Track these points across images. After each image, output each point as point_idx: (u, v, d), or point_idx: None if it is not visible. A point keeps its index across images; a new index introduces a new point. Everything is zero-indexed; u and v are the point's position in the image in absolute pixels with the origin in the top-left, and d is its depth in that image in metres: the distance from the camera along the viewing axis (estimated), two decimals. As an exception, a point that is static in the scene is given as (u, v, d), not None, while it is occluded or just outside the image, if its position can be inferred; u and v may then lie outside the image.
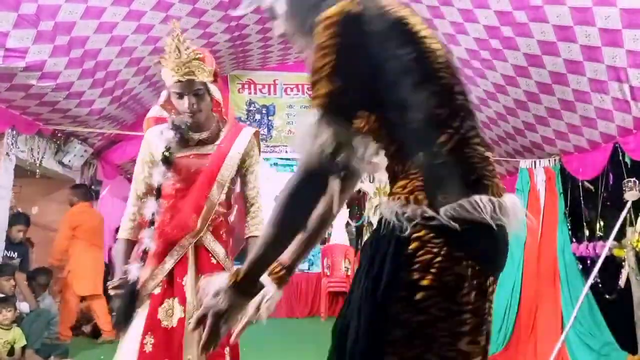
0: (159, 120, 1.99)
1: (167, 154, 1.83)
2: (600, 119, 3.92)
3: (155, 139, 1.89)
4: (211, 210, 1.86)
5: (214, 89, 1.88)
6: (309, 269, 7.91)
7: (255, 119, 6.54)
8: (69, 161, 5.47)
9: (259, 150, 2.05)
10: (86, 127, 5.23)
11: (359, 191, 8.61)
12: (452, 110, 1.01)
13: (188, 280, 1.80)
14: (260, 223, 1.96)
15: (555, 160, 4.83)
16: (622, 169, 3.96)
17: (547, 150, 4.89)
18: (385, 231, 0.99)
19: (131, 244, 1.87)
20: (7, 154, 4.55)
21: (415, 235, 0.96)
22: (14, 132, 4.59)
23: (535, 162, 4.99)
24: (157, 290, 1.77)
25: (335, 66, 0.98)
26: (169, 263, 1.80)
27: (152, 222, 1.80)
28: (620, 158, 3.95)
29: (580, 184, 4.55)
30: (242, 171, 1.97)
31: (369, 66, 0.99)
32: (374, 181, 8.29)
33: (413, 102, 1.00)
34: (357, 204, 9.04)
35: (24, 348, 4.06)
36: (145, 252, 1.78)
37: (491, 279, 1.00)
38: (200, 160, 1.88)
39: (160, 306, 1.76)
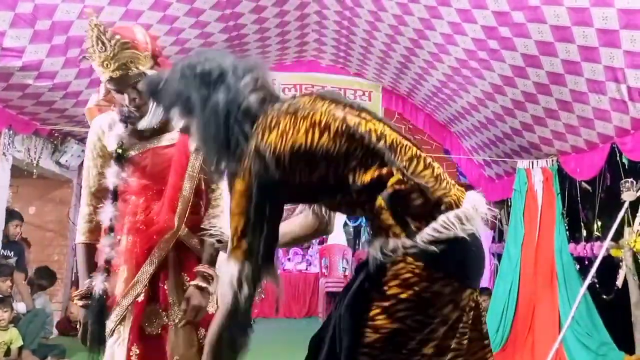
0: (103, 110, 1.82)
1: (119, 151, 1.66)
2: (597, 119, 3.93)
3: (106, 131, 1.70)
4: (186, 206, 1.71)
5: None
6: (306, 269, 7.90)
7: (253, 119, 6.54)
8: (66, 161, 5.46)
9: None
10: (83, 126, 5.20)
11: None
12: (385, 157, 1.11)
13: (170, 282, 1.69)
14: (221, 213, 1.77)
15: (552, 160, 4.84)
16: (620, 170, 3.97)
17: (544, 151, 4.89)
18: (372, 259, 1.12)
19: (92, 248, 1.72)
20: (3, 154, 4.54)
21: (398, 259, 1.08)
22: (11, 132, 4.58)
23: (532, 163, 5.00)
24: (140, 298, 1.65)
25: (245, 225, 1.13)
26: (151, 268, 1.66)
27: (111, 229, 1.65)
28: (618, 158, 3.95)
29: (577, 184, 4.55)
30: None
31: (282, 198, 1.18)
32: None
33: (350, 185, 1.12)
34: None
35: (20, 348, 4.05)
36: (108, 262, 1.65)
37: (467, 291, 1.11)
38: (163, 154, 1.72)
39: (143, 314, 1.65)
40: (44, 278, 5.14)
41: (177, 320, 1.65)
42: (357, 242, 9.07)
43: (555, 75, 3.91)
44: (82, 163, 5.73)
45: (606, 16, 3.15)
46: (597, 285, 4.09)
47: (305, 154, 1.11)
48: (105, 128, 1.72)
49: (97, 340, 1.65)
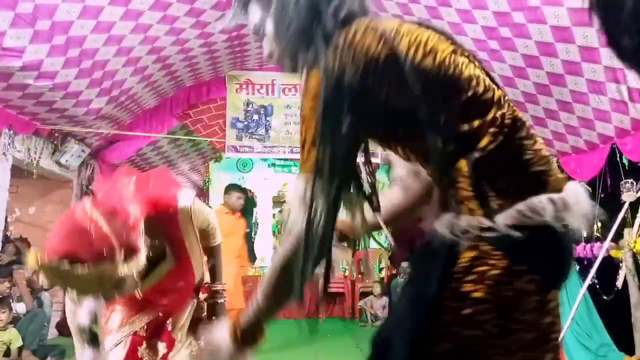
0: None
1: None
2: (597, 120, 3.93)
3: None
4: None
5: None
6: (306, 269, 7.90)
7: (253, 119, 6.52)
8: (66, 161, 5.46)
9: None
10: (83, 127, 5.21)
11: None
12: (486, 112, 0.92)
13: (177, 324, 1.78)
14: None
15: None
16: (620, 170, 3.97)
17: (544, 151, 4.89)
18: (438, 243, 0.92)
19: None
20: (3, 154, 4.54)
21: (471, 245, 0.89)
22: (11, 132, 4.58)
23: (533, 163, 4.99)
24: (143, 332, 1.71)
25: (319, 132, 0.93)
26: (152, 315, 1.74)
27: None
28: (618, 159, 3.95)
29: (577, 184, 4.55)
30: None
31: (370, 112, 0.94)
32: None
33: (442, 126, 0.91)
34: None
35: (20, 349, 4.04)
36: None
37: (553, 292, 0.92)
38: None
39: (140, 346, 1.69)
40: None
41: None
42: (357, 243, 9.05)
43: (555, 76, 3.91)
44: (82, 163, 5.82)
45: (606, 17, 3.15)
46: (597, 286, 4.09)
47: (401, 69, 0.91)
48: None
49: None
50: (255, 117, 6.57)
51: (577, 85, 3.80)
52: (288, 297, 1.00)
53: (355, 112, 0.93)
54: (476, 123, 0.90)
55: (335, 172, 0.94)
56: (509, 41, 3.94)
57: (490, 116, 0.91)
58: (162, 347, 1.72)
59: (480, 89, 0.93)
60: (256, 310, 1.02)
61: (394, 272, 7.68)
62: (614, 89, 3.53)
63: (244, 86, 6.56)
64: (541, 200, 0.87)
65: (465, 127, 0.90)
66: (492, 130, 0.90)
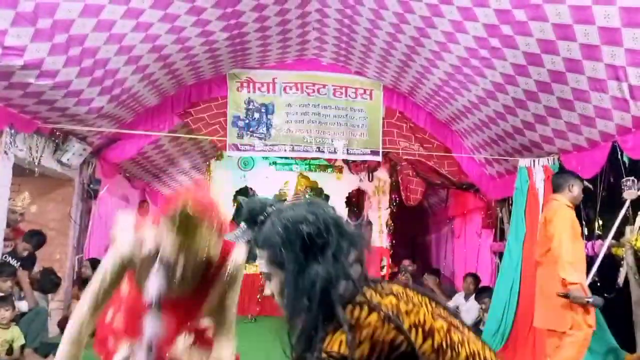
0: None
1: (159, 305, 1.79)
2: (599, 117, 3.92)
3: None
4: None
5: None
6: (307, 267, 7.90)
7: (254, 118, 6.51)
8: (68, 160, 5.47)
9: None
10: (85, 125, 5.21)
11: (358, 190, 8.61)
12: None
13: None
14: None
15: (554, 159, 4.83)
16: (621, 168, 3.97)
17: (546, 149, 4.89)
18: None
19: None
20: (5, 152, 4.54)
21: None
22: (13, 131, 4.58)
23: (534, 161, 5.00)
24: None
25: None
26: None
27: None
28: (619, 157, 3.95)
29: (579, 182, 4.54)
30: None
31: None
32: (373, 180, 8.28)
33: None
34: (355, 202, 9.03)
35: (22, 347, 4.05)
36: None
37: None
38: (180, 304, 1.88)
39: None
40: (49, 282, 5.13)
41: None
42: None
43: (556, 74, 3.90)
44: (83, 161, 5.82)
45: (608, 14, 3.14)
46: (598, 284, 4.09)
47: (404, 354, 1.06)
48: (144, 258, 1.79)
49: None
50: (257, 115, 6.56)
51: (579, 83, 3.79)
52: None
53: None
54: None
55: None
56: (510, 39, 3.94)
57: None
58: None
59: None
60: None
61: (395, 270, 7.68)
62: (615, 87, 3.52)
63: (245, 84, 6.55)
64: None
65: None
66: None
